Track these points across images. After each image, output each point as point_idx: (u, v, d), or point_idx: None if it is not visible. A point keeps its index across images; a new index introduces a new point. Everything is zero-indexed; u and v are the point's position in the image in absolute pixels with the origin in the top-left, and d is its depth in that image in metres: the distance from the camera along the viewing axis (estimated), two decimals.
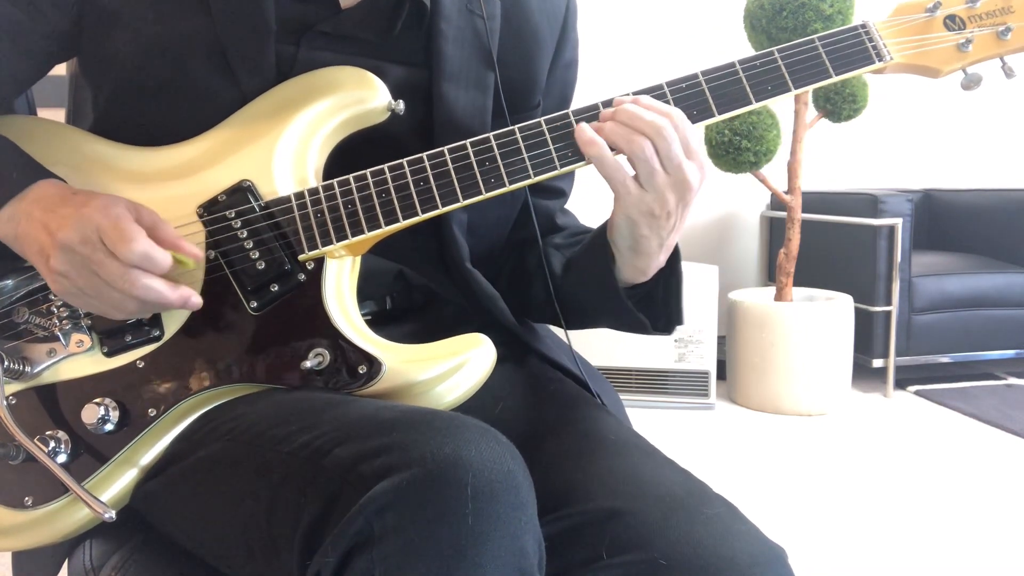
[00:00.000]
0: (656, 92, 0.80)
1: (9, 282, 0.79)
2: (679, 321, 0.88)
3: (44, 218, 0.72)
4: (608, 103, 0.80)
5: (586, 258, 0.88)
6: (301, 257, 0.77)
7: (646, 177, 0.76)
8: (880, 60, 0.83)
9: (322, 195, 0.78)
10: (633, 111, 0.76)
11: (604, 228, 0.85)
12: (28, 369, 0.77)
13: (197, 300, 0.74)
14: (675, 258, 0.86)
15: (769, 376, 3.03)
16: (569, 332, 0.94)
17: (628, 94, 0.80)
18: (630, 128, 0.76)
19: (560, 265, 0.92)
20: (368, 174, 0.78)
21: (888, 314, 3.17)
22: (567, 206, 1.04)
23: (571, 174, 0.89)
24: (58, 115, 0.98)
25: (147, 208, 0.74)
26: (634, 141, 0.75)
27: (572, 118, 0.79)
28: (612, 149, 0.77)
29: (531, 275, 0.94)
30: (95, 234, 0.70)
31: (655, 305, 0.87)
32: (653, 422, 2.92)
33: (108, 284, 0.71)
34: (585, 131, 0.77)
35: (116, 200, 0.73)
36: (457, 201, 0.78)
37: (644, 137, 0.75)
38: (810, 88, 0.82)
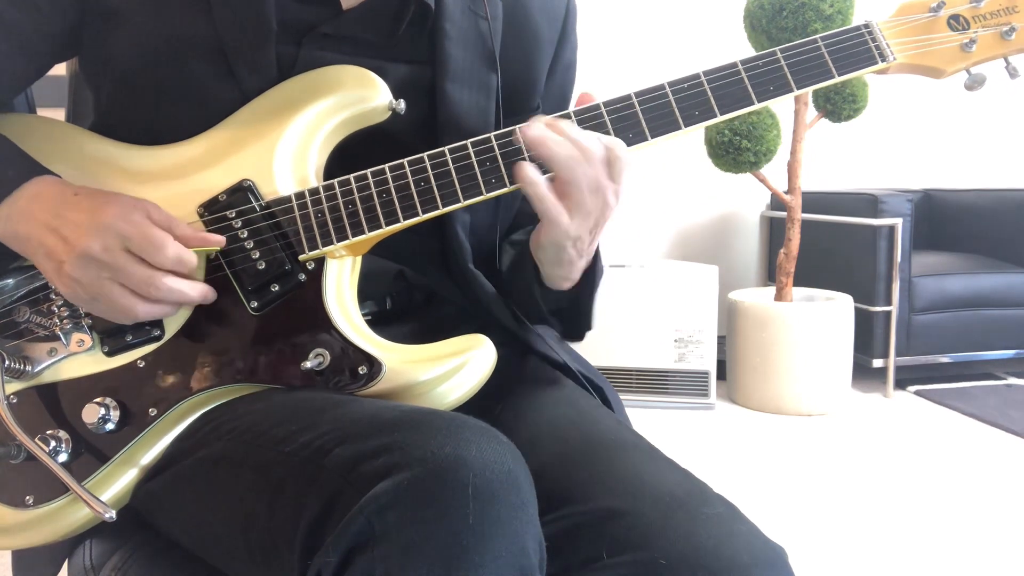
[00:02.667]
0: (658, 92, 0.80)
1: (10, 281, 0.79)
2: (590, 326, 0.91)
3: (51, 222, 0.72)
4: (611, 104, 0.80)
5: (518, 266, 0.90)
6: (302, 257, 0.77)
7: (571, 201, 0.76)
8: (883, 60, 0.83)
9: (323, 195, 0.78)
10: (567, 133, 0.76)
11: (528, 243, 0.85)
12: (29, 368, 0.77)
13: (213, 293, 0.76)
14: (595, 262, 0.86)
15: (769, 376, 3.03)
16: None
17: (568, 113, 0.80)
18: (565, 156, 0.76)
19: (508, 263, 0.94)
20: (369, 174, 0.78)
21: (888, 314, 3.17)
22: None
23: None
24: (58, 115, 0.98)
25: (155, 206, 0.75)
26: (559, 159, 0.75)
27: (574, 119, 0.79)
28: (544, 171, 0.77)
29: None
30: (118, 242, 0.71)
31: (582, 308, 0.89)
32: (653, 422, 2.92)
33: (128, 290, 0.72)
34: (528, 170, 0.76)
35: (128, 204, 0.74)
36: (458, 201, 0.78)
37: (571, 158, 0.75)
38: (813, 88, 0.82)
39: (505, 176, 0.78)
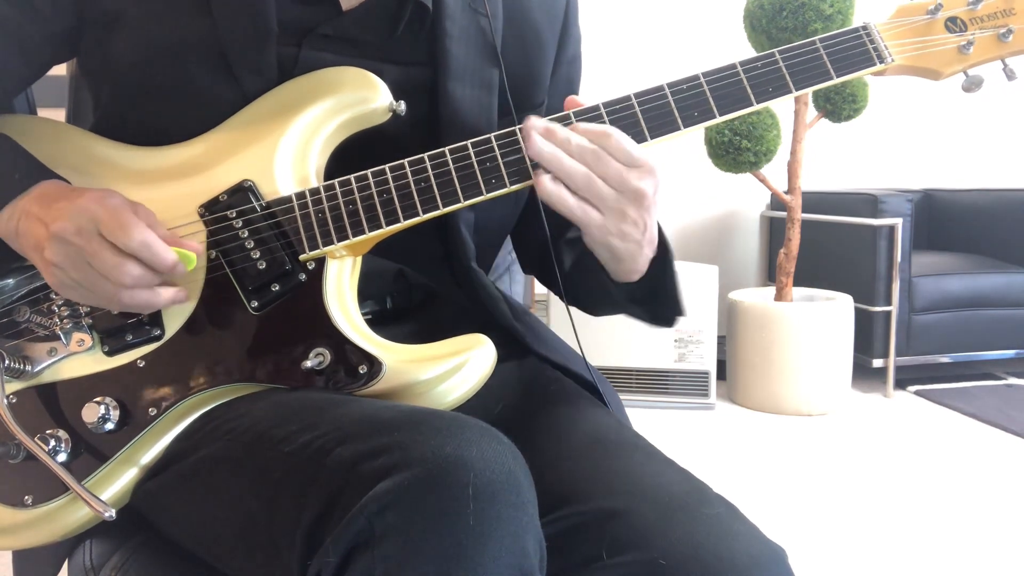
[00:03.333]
0: (657, 93, 0.80)
1: (10, 281, 0.79)
2: (680, 311, 0.88)
3: (40, 213, 0.72)
4: (610, 104, 0.80)
5: (583, 262, 0.89)
6: (302, 257, 0.77)
7: (598, 202, 0.76)
8: (881, 62, 0.83)
9: (323, 195, 0.78)
10: (561, 140, 0.76)
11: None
12: (29, 368, 0.77)
13: (184, 294, 0.75)
14: (665, 249, 0.85)
15: (769, 376, 3.03)
16: (577, 332, 0.94)
17: (568, 114, 0.80)
18: (564, 159, 0.76)
19: (570, 262, 0.93)
20: (369, 174, 0.78)
21: (888, 314, 3.18)
22: None
23: None
24: (58, 115, 0.98)
25: (143, 207, 0.75)
26: (573, 172, 0.76)
27: (573, 119, 0.79)
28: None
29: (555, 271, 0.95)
30: (91, 224, 0.70)
31: (662, 295, 0.87)
32: (653, 422, 2.93)
33: (101, 275, 0.71)
34: (547, 184, 0.76)
35: (112, 192, 0.74)
36: (458, 201, 0.78)
37: (580, 165, 0.76)
38: (811, 89, 0.82)
39: (505, 176, 0.78)
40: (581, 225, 0.78)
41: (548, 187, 0.76)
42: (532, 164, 0.78)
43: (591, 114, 0.80)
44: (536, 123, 0.77)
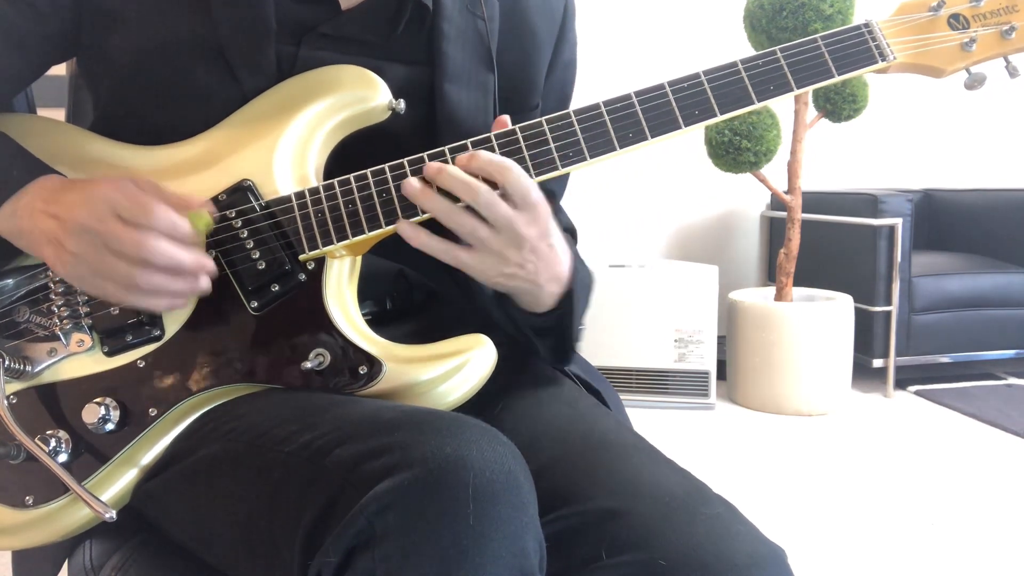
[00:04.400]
0: (658, 92, 0.80)
1: (10, 281, 0.79)
2: (573, 348, 0.89)
3: (48, 208, 0.72)
4: (611, 103, 0.80)
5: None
6: (302, 257, 0.77)
7: (477, 244, 0.76)
8: (883, 60, 0.83)
9: (323, 195, 0.78)
10: (446, 177, 0.75)
11: None
12: (29, 368, 0.77)
13: (212, 266, 0.73)
14: (573, 289, 0.83)
15: (769, 376, 3.03)
16: None
17: (438, 151, 0.78)
18: (437, 201, 0.75)
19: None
20: (368, 174, 0.78)
21: (888, 314, 3.17)
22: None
23: (564, 177, 0.89)
24: (58, 115, 0.98)
25: (146, 180, 0.74)
26: (452, 212, 0.75)
27: (574, 118, 0.79)
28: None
29: None
30: (109, 209, 0.69)
31: (560, 330, 0.86)
32: (653, 422, 2.92)
33: (123, 257, 0.69)
34: (406, 229, 0.76)
35: (119, 178, 0.73)
36: (458, 201, 0.77)
37: (461, 203, 0.75)
38: (812, 88, 0.82)
39: None
40: (455, 266, 0.77)
41: (405, 230, 0.76)
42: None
43: (591, 112, 0.79)
44: (430, 165, 0.76)
